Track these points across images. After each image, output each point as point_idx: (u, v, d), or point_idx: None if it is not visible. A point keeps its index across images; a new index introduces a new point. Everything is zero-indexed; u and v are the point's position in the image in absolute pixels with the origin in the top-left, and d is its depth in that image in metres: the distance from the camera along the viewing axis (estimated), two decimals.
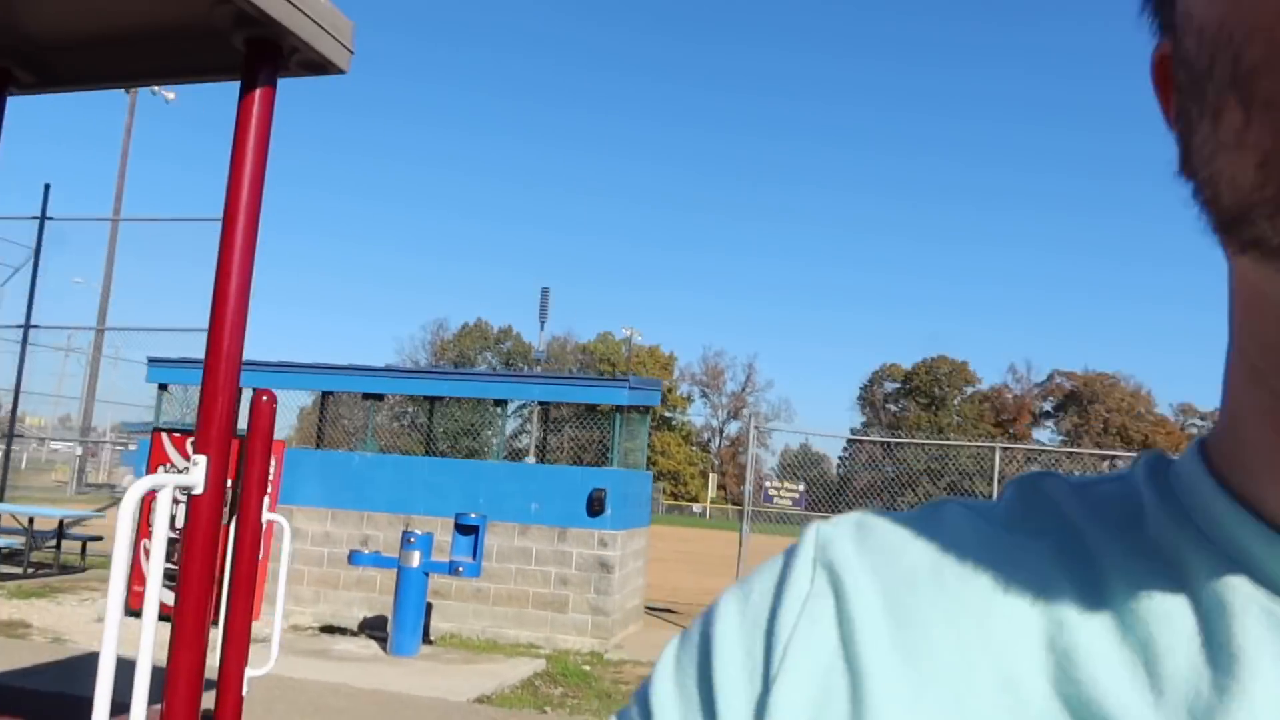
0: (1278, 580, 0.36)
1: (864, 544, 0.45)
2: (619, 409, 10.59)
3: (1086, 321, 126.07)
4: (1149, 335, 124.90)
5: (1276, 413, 0.37)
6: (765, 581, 0.47)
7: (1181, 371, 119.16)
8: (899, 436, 71.65)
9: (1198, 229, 0.38)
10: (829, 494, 26.92)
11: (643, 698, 0.47)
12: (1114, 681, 0.36)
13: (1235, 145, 0.34)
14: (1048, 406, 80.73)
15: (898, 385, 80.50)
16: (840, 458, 43.42)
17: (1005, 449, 12.31)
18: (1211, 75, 0.35)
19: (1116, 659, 0.36)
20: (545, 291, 50.32)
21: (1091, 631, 0.37)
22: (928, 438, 70.44)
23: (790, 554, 0.47)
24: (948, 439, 68.91)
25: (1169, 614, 0.37)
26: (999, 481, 11.69)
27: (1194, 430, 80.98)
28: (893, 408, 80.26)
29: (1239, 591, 0.36)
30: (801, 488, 11.84)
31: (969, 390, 78.56)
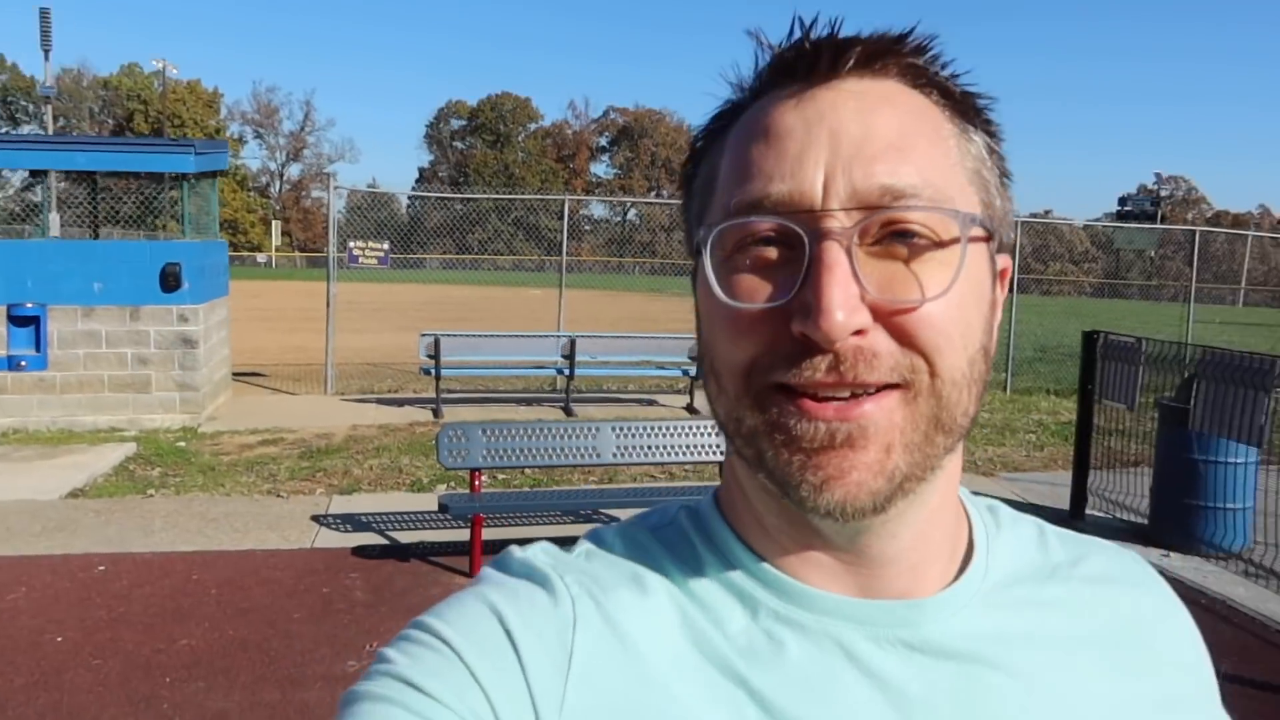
0: (772, 587, 0.57)
1: (591, 571, 0.58)
2: (185, 177, 9.79)
3: (638, 57, 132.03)
4: (687, 69, 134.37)
5: (764, 498, 0.57)
6: (525, 607, 0.55)
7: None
8: (466, 175, 72.10)
9: None
10: (402, 235, 27.07)
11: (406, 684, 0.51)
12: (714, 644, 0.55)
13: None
14: (603, 141, 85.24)
15: (464, 122, 79.86)
16: (410, 198, 43.20)
17: (572, 200, 13.26)
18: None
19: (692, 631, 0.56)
20: (45, 12, 41.95)
21: (699, 619, 0.56)
22: (494, 176, 71.74)
23: (544, 583, 0.56)
24: (513, 179, 70.73)
25: (729, 612, 0.57)
26: (567, 217, 12.70)
27: None
28: (460, 145, 79.91)
29: (761, 604, 0.57)
30: (386, 246, 11.97)
31: (532, 127, 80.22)
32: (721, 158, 0.56)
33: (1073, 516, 6.72)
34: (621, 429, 5.69)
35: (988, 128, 0.57)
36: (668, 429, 5.80)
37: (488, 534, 5.56)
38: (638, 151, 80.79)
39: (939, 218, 0.51)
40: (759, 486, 0.56)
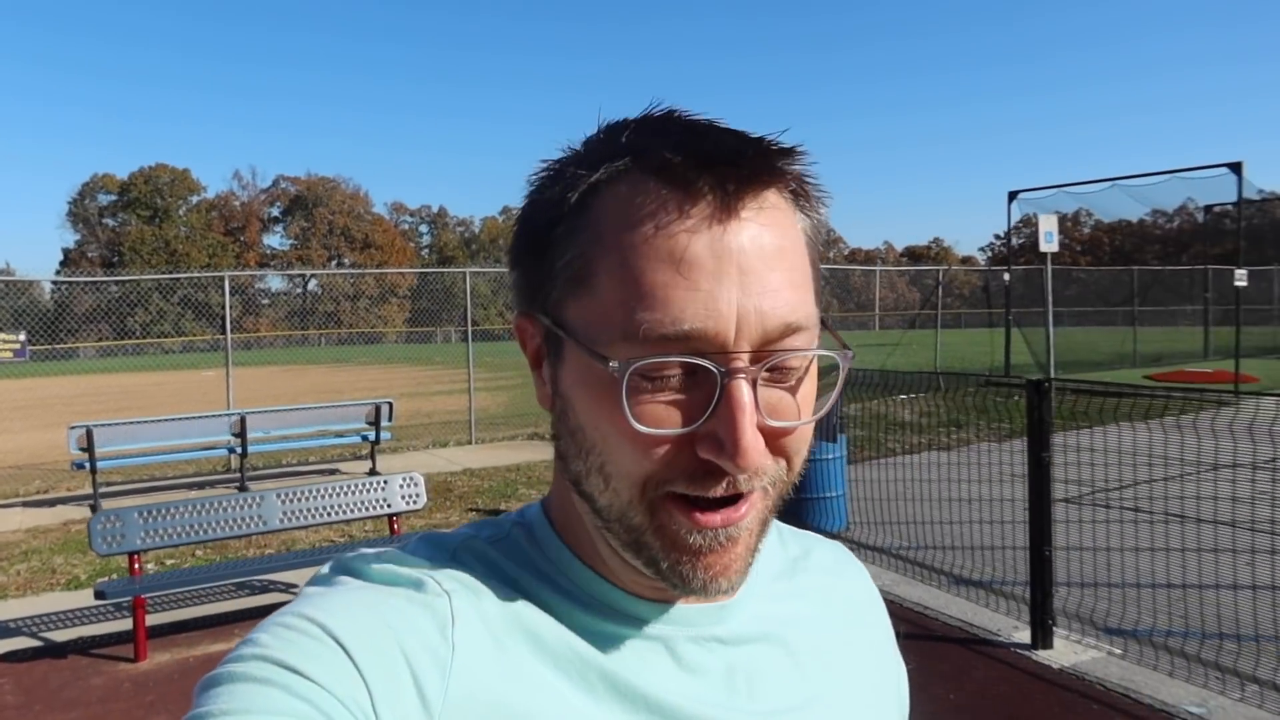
0: (607, 597, 0.63)
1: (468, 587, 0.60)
2: None
3: (305, 127, 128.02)
4: (361, 138, 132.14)
5: (610, 546, 0.61)
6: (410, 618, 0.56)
7: (392, 172, 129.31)
8: (121, 254, 66.23)
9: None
10: (46, 324, 24.59)
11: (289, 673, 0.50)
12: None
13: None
14: (275, 211, 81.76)
15: (114, 197, 73.45)
16: (54, 283, 39.03)
17: (235, 275, 12.99)
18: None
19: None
20: None
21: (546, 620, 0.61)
22: (153, 254, 66.47)
23: (415, 583, 0.59)
24: (177, 256, 65.83)
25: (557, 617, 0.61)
26: (231, 293, 12.42)
27: (406, 226, 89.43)
28: (111, 222, 73.35)
29: (594, 609, 0.62)
30: (23, 338, 11.09)
31: (195, 199, 75.38)
32: (596, 250, 0.56)
33: None
34: (287, 494, 5.84)
35: (818, 209, 0.61)
36: (336, 489, 6.02)
37: (153, 619, 5.50)
38: (314, 220, 78.28)
39: (818, 351, 0.58)
40: (609, 542, 0.61)
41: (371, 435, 10.68)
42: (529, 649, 0.58)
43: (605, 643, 0.61)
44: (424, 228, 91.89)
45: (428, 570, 0.60)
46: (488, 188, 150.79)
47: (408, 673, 0.53)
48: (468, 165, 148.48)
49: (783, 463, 0.58)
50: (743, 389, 0.53)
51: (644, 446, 0.55)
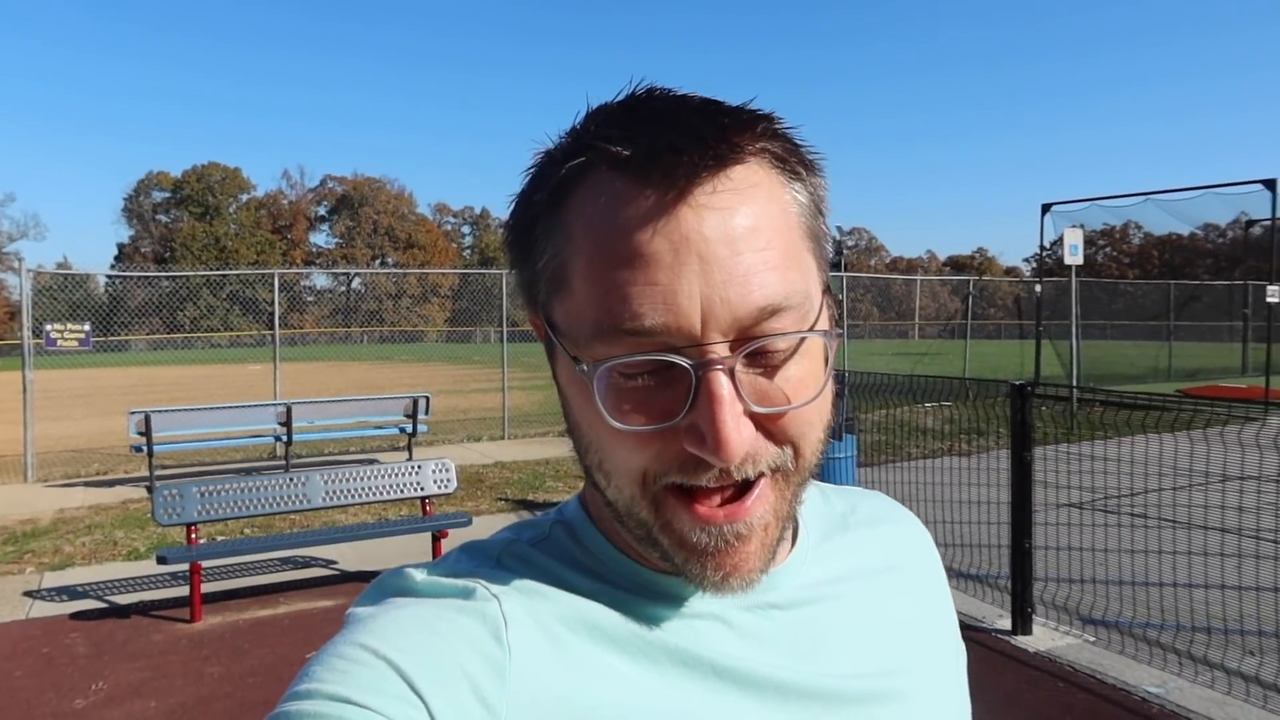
0: (654, 583, 0.63)
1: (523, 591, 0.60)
2: None
3: (353, 126, 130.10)
4: (408, 140, 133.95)
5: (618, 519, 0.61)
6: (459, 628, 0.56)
7: (435, 174, 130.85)
8: (173, 250, 67.91)
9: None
10: (101, 317, 25.58)
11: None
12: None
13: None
14: (322, 211, 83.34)
15: (168, 194, 75.41)
16: (109, 277, 40.38)
17: (283, 273, 13.64)
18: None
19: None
20: None
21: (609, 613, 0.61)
22: (204, 250, 68.11)
23: (463, 592, 0.59)
24: (226, 253, 67.32)
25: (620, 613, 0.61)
26: (279, 290, 13.05)
27: (449, 227, 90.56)
28: (164, 218, 75.30)
29: (640, 603, 0.62)
30: (87, 328, 11.78)
31: (244, 197, 77.12)
32: (569, 249, 0.56)
33: None
34: (329, 475, 6.38)
35: (814, 180, 0.59)
36: (374, 472, 6.55)
37: (206, 588, 6.03)
38: (359, 220, 79.74)
39: (802, 330, 0.55)
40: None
41: (409, 428, 11.22)
42: (585, 639, 0.58)
43: (660, 622, 0.61)
44: (466, 229, 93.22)
45: (473, 578, 0.60)
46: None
47: (466, 683, 0.53)
48: (512, 166, 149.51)
49: (788, 448, 0.57)
50: (719, 380, 0.52)
51: (631, 443, 0.55)
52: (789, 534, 0.68)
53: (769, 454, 0.56)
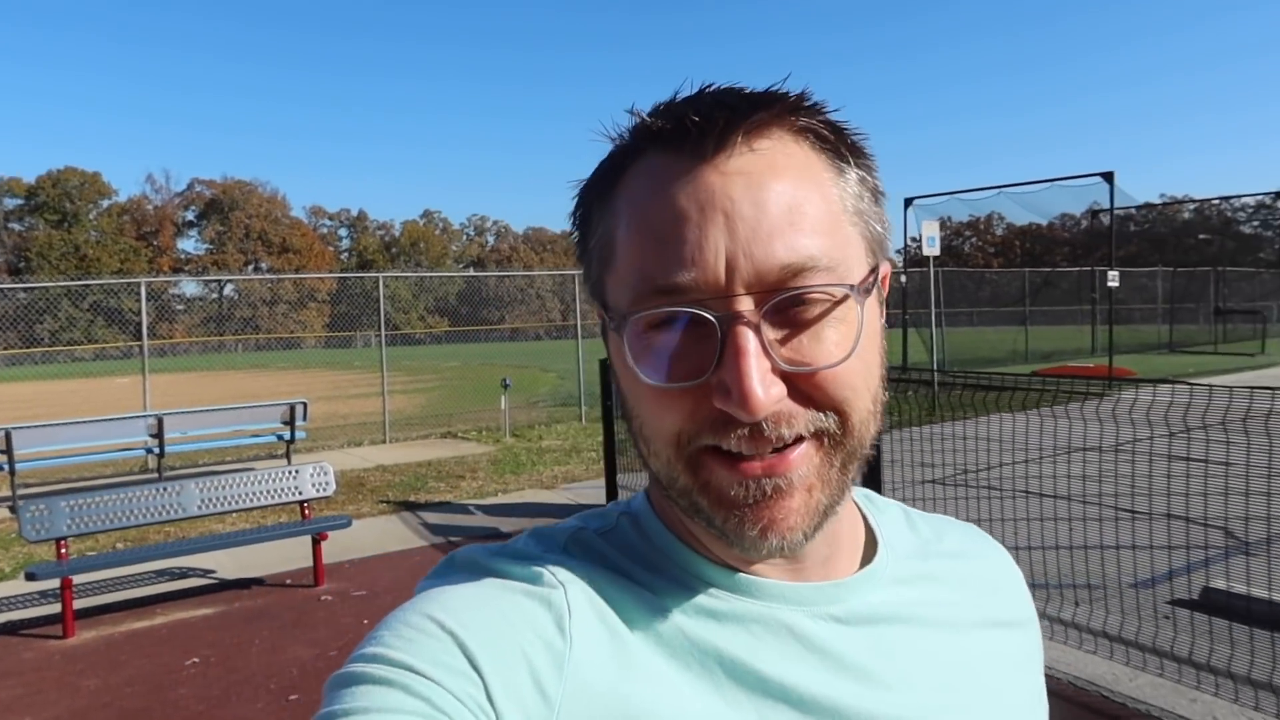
0: (719, 581, 0.62)
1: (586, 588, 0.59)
2: None
3: (221, 129, 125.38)
4: (279, 143, 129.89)
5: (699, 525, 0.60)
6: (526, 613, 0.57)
7: (309, 176, 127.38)
8: (28, 260, 64.22)
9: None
10: None
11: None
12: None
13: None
14: (190, 216, 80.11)
15: (20, 201, 71.14)
16: None
17: (150, 281, 13.25)
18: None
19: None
20: None
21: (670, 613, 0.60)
22: (62, 259, 64.63)
23: (532, 577, 0.59)
24: (87, 262, 64.07)
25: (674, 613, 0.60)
26: (146, 299, 12.68)
27: (325, 230, 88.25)
28: (17, 227, 71.02)
29: (713, 597, 0.61)
30: None
31: (105, 203, 73.44)
32: (616, 223, 0.59)
33: None
34: (204, 483, 6.35)
35: (860, 159, 0.60)
36: (250, 478, 6.54)
37: (81, 603, 5.94)
38: (230, 225, 76.93)
39: (835, 287, 0.55)
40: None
41: (286, 435, 11.11)
42: (644, 641, 0.58)
43: (721, 627, 0.60)
44: (343, 231, 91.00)
45: (541, 564, 0.60)
46: (409, 190, 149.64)
47: (525, 667, 0.53)
48: (389, 167, 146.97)
49: (831, 415, 0.56)
50: (744, 334, 0.53)
51: (662, 402, 0.56)
52: (858, 542, 0.69)
53: (806, 416, 0.56)
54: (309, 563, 6.58)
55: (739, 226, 0.54)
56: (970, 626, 0.70)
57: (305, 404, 11.03)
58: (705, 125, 0.55)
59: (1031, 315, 28.60)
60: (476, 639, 0.54)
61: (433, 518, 8.34)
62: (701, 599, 0.61)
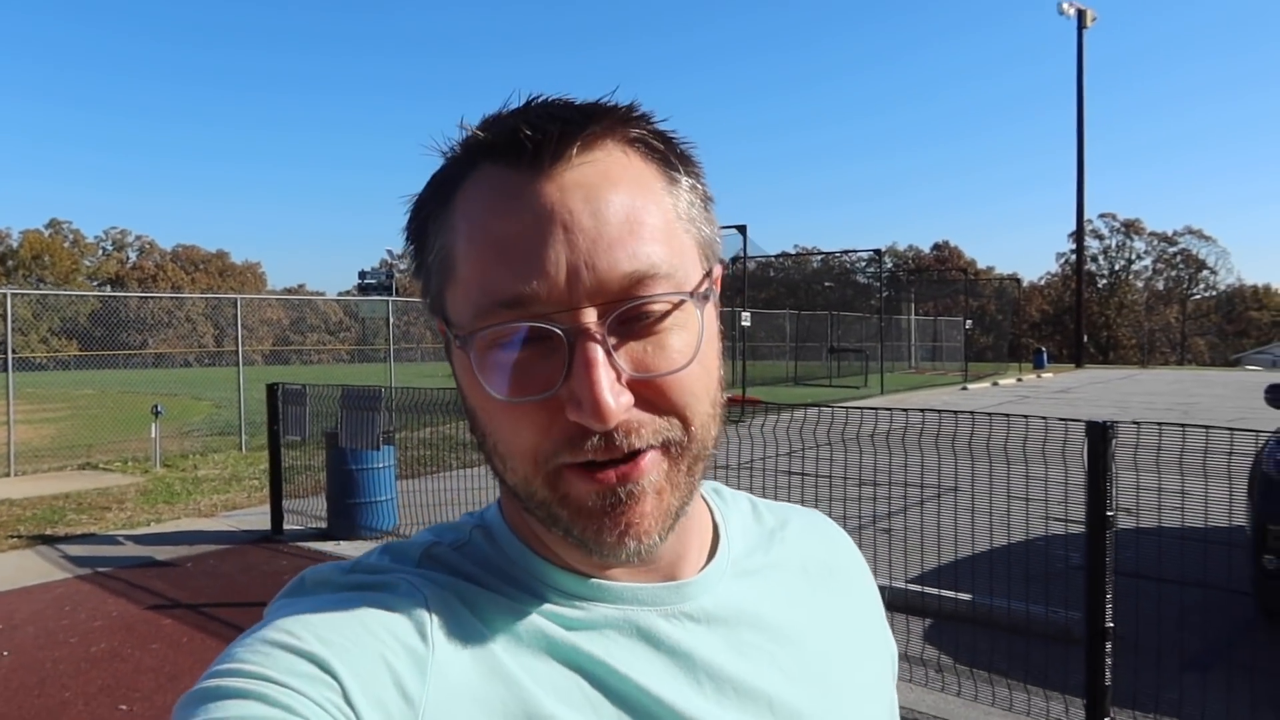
0: (573, 588, 0.63)
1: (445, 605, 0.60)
2: None
3: None
4: None
5: (554, 536, 0.61)
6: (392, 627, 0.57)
7: None
8: None
9: None
10: None
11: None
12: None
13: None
14: None
15: None
16: None
17: None
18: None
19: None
20: None
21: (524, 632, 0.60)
22: None
23: (389, 586, 0.60)
24: None
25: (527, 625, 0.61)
26: None
27: None
28: None
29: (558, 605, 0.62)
30: None
31: None
32: (454, 239, 0.59)
33: (275, 532, 8.29)
34: None
35: (690, 168, 0.62)
36: None
37: None
38: None
39: (675, 294, 0.57)
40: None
41: None
42: (505, 646, 0.59)
43: (576, 632, 0.61)
44: None
45: (397, 574, 0.61)
46: (32, 195, 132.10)
47: (386, 671, 0.54)
48: (7, 168, 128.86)
49: (675, 421, 0.58)
50: (591, 346, 0.54)
51: (515, 417, 0.56)
52: (705, 538, 0.71)
53: (654, 425, 0.57)
54: None
55: (579, 238, 0.55)
56: (814, 616, 0.73)
57: None
58: (539, 138, 0.56)
59: None
60: (332, 648, 0.54)
61: (76, 550, 7.83)
62: (556, 606, 0.62)
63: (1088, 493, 3.96)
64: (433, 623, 0.58)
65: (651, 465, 0.57)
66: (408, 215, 0.63)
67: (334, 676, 0.52)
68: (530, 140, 0.56)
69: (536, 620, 0.61)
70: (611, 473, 0.56)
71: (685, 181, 0.62)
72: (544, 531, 0.63)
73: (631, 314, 0.56)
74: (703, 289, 0.59)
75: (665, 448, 0.58)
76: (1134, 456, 4.08)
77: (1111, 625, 3.89)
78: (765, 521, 0.78)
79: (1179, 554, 5.61)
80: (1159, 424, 3.99)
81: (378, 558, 0.65)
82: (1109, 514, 3.88)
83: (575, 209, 0.55)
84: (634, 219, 0.56)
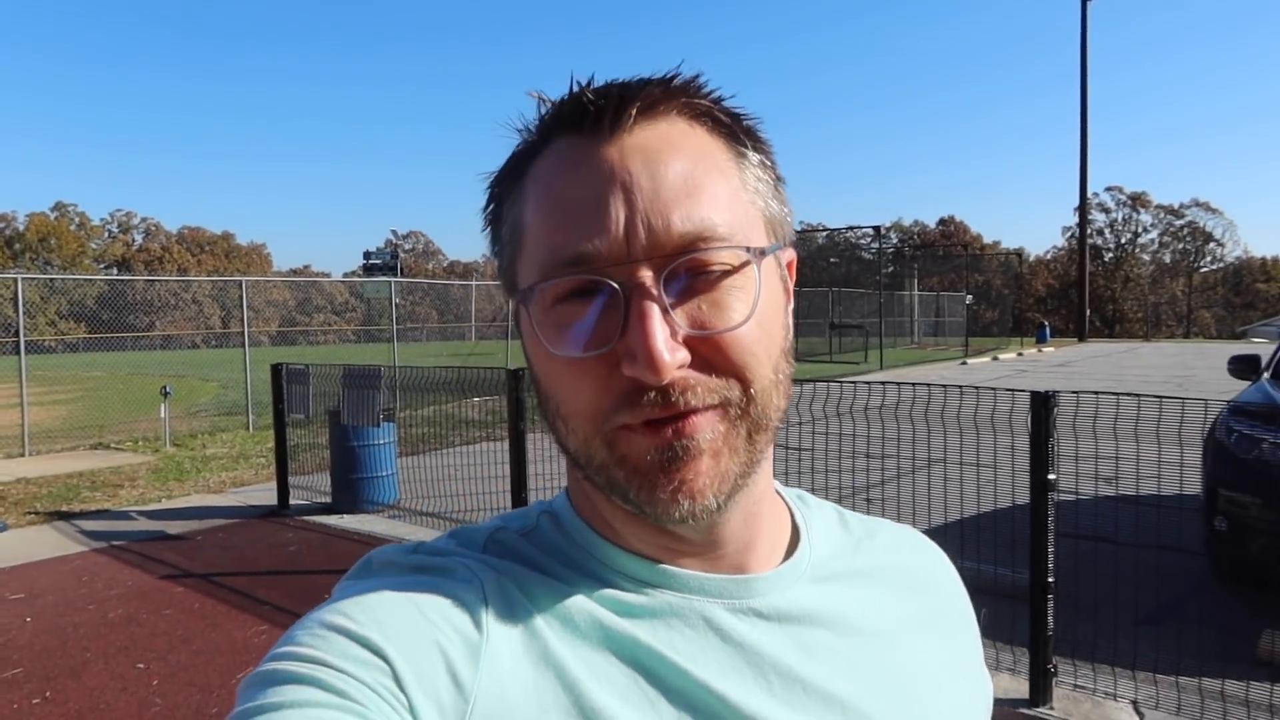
0: (639, 574, 0.63)
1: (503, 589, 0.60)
2: None
3: None
4: None
5: (617, 510, 0.62)
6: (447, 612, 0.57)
7: None
8: None
9: None
10: None
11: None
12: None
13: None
14: None
15: None
16: None
17: None
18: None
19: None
20: None
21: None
22: None
23: (446, 571, 0.61)
24: None
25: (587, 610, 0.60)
26: None
27: None
28: None
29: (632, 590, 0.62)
30: None
31: None
32: (524, 209, 0.61)
33: (281, 507, 8.60)
34: None
35: (758, 144, 0.63)
36: None
37: None
38: None
39: (732, 251, 0.57)
40: (612, 504, 0.62)
41: None
42: (562, 636, 0.59)
43: (639, 620, 0.61)
44: None
45: (459, 559, 0.62)
46: (37, 177, 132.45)
47: (439, 657, 0.54)
48: (8, 149, 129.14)
49: (733, 381, 0.57)
50: (645, 300, 0.55)
51: (573, 373, 0.57)
52: (781, 537, 0.70)
53: (711, 384, 0.57)
54: None
55: (637, 197, 0.56)
56: (900, 628, 0.70)
57: None
58: (602, 104, 0.58)
59: None
60: (387, 632, 0.54)
61: (91, 525, 8.17)
62: (620, 593, 0.62)
63: (1032, 458, 4.21)
64: (488, 610, 0.58)
65: (707, 423, 0.57)
66: (485, 195, 0.65)
67: (387, 661, 0.53)
68: (593, 105, 0.58)
69: (596, 609, 0.61)
70: (668, 429, 0.56)
71: (754, 157, 0.63)
72: (610, 513, 0.64)
73: (687, 271, 0.57)
74: (762, 250, 0.60)
75: (724, 408, 0.58)
76: (1113, 426, 4.30)
77: (1053, 580, 4.15)
78: (853, 530, 0.77)
79: (1134, 518, 5.84)
80: (1115, 394, 4.25)
81: (444, 542, 0.66)
82: (1050, 477, 4.14)
83: (635, 170, 0.57)
84: (693, 183, 0.58)
